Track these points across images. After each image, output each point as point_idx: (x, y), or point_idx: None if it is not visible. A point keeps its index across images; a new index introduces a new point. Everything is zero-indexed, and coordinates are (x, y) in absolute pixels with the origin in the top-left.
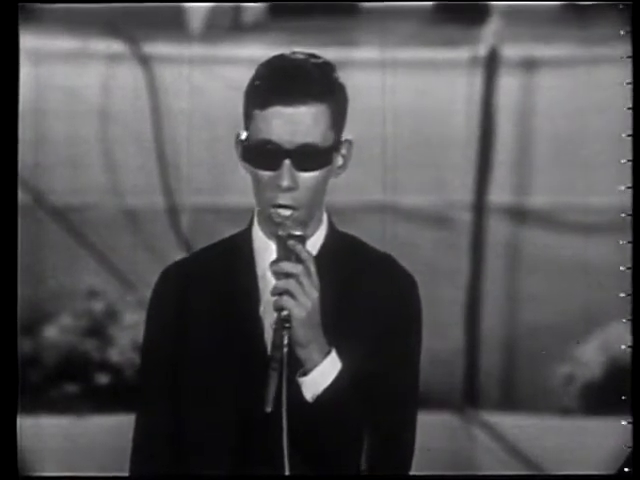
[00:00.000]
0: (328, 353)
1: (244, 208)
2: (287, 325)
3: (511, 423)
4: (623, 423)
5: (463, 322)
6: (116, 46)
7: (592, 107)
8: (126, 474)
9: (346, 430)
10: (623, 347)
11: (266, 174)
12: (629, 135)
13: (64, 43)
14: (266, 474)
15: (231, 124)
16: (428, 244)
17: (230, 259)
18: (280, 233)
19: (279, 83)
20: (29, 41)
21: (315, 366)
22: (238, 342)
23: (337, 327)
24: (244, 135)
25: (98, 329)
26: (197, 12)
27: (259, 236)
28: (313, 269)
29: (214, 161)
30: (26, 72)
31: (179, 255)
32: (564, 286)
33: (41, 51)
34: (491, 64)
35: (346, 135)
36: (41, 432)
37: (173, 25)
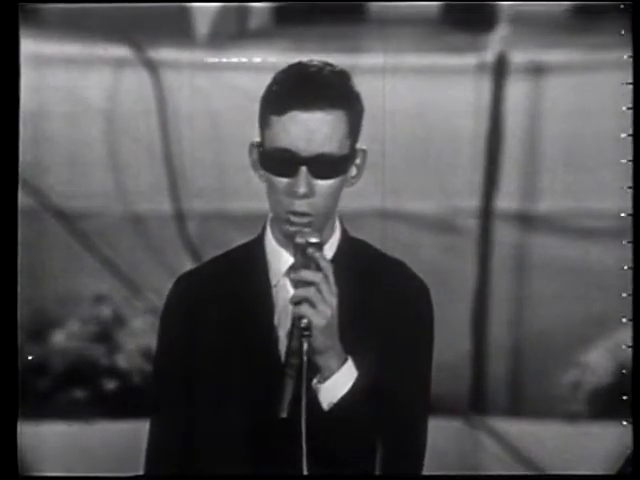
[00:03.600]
0: (345, 361)
1: (252, 215)
2: (307, 333)
3: (518, 429)
4: (624, 423)
5: (469, 328)
6: (122, 51)
7: (601, 111)
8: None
9: (361, 438)
10: (623, 347)
11: (282, 180)
12: (629, 135)
13: (68, 47)
14: (271, 475)
15: (237, 130)
16: (434, 250)
17: (243, 268)
18: (298, 241)
19: (297, 88)
20: (32, 45)
21: (332, 374)
22: (253, 351)
23: (351, 334)
24: (259, 141)
25: (105, 335)
26: (203, 17)
27: (272, 244)
28: (331, 277)
29: (221, 167)
30: (30, 75)
31: (186, 260)
32: (573, 291)
33: (45, 55)
34: (499, 70)
35: (359, 144)
36: (48, 438)
37: (179, 30)
